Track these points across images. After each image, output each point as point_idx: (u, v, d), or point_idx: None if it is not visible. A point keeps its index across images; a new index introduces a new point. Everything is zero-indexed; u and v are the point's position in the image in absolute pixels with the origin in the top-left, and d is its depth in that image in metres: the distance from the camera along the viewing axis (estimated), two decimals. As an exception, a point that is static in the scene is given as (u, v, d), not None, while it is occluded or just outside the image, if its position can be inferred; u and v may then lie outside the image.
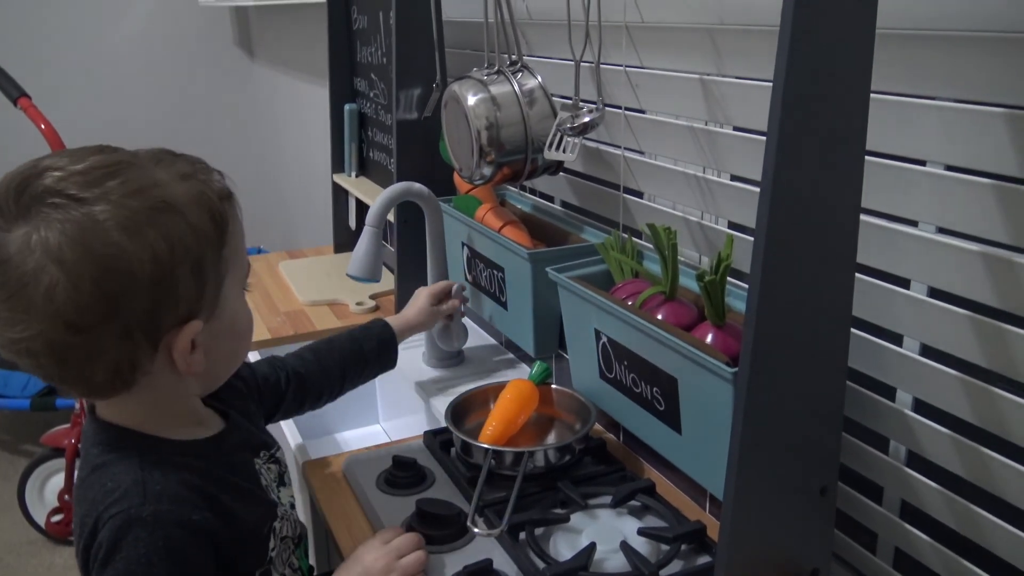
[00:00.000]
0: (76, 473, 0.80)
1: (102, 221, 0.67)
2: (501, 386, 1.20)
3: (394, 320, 1.26)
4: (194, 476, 0.77)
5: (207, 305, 0.75)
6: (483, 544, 0.98)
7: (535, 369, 1.21)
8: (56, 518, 2.45)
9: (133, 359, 0.72)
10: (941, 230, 0.81)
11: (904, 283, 0.86)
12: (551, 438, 1.19)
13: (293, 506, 0.91)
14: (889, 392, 0.90)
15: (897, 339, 0.88)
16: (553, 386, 1.23)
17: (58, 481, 2.45)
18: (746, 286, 1.00)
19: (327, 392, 1.13)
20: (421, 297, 1.34)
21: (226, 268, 0.76)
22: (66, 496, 2.42)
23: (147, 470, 0.75)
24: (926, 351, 0.85)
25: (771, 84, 0.69)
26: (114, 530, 0.71)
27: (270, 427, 1.02)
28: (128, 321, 0.69)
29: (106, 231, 0.67)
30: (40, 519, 2.47)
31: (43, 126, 2.43)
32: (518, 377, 1.23)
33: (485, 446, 1.07)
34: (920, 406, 0.87)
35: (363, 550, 0.92)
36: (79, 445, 0.83)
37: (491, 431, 1.11)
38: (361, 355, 1.17)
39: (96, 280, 0.67)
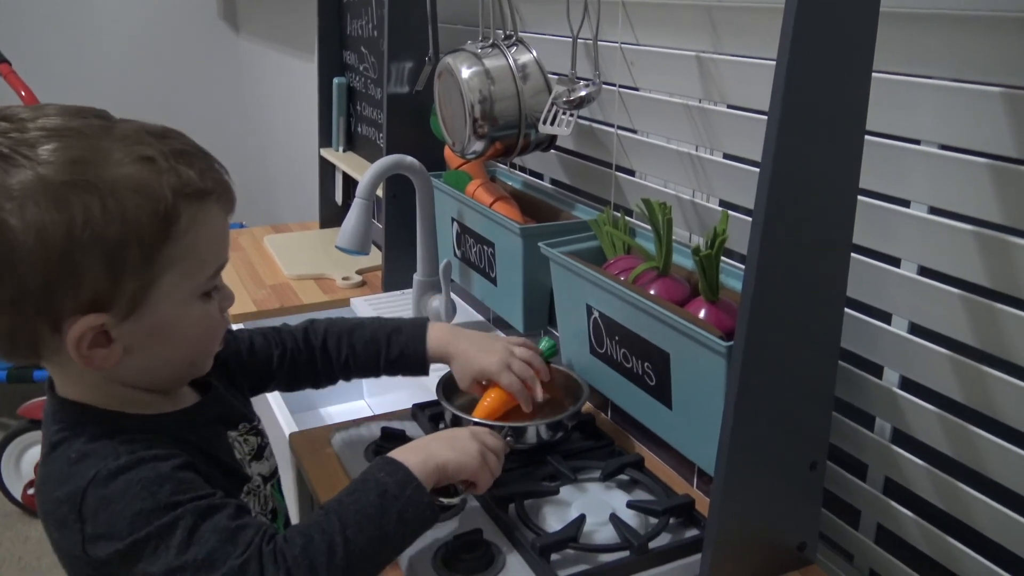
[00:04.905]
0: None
1: (10, 187, 0.64)
2: None
3: (439, 331, 1.09)
4: (163, 440, 0.74)
5: (123, 300, 0.69)
6: (473, 514, 0.98)
7: (542, 345, 1.19)
8: (33, 490, 2.43)
9: (31, 333, 0.69)
10: (934, 210, 0.82)
11: (895, 262, 0.87)
12: (541, 414, 1.19)
13: (268, 480, 0.90)
14: (875, 370, 0.91)
15: (886, 318, 0.89)
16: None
17: (35, 453, 2.43)
18: (737, 264, 1.01)
19: (326, 380, 1.08)
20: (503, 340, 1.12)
21: (164, 267, 0.70)
22: (44, 469, 2.40)
23: (111, 436, 0.72)
24: (915, 330, 0.86)
25: (769, 62, 0.70)
26: (98, 488, 0.68)
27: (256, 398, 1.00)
28: (16, 292, 0.66)
29: (7, 198, 0.64)
30: (16, 492, 2.45)
31: (23, 93, 2.40)
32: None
33: (476, 420, 1.07)
34: (907, 384, 0.88)
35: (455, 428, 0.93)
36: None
37: (487, 404, 1.11)
38: (376, 359, 1.07)
39: None
